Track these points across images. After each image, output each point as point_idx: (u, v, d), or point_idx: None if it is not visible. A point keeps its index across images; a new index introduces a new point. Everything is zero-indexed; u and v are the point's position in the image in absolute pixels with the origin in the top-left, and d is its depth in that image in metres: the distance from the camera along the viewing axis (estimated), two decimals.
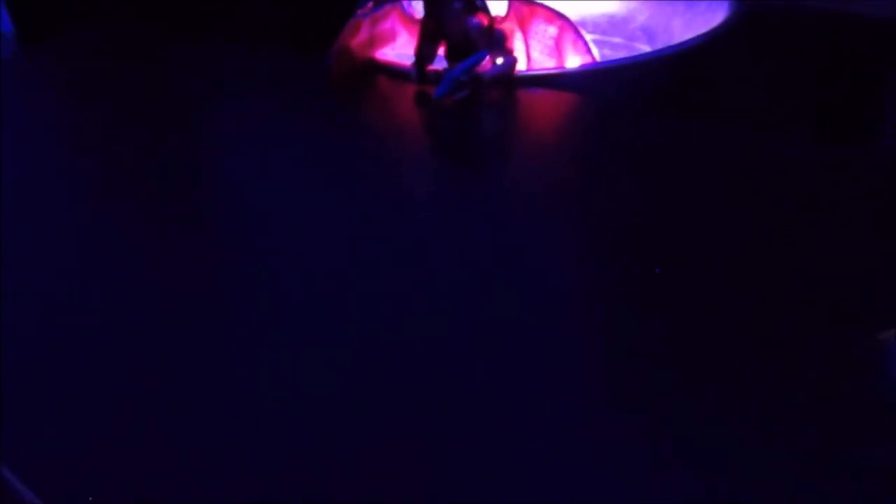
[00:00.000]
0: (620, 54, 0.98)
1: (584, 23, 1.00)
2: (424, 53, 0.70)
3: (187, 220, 0.57)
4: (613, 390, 0.39)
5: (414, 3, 0.72)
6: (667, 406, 0.38)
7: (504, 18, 0.72)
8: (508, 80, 0.69)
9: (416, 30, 0.74)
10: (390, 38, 0.75)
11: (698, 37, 0.75)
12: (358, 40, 0.74)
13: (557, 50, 0.72)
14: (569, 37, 0.71)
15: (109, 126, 0.72)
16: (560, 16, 0.72)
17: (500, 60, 0.69)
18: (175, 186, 0.62)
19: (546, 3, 1.00)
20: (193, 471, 0.36)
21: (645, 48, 0.97)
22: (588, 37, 0.77)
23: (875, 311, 0.41)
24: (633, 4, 0.98)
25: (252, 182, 0.62)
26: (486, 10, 0.68)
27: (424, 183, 0.64)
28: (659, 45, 0.96)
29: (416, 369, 0.41)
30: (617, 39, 0.99)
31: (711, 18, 0.88)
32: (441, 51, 0.71)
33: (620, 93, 0.72)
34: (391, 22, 0.73)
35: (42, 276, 0.50)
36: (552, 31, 0.72)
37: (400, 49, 0.77)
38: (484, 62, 0.69)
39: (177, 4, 1.04)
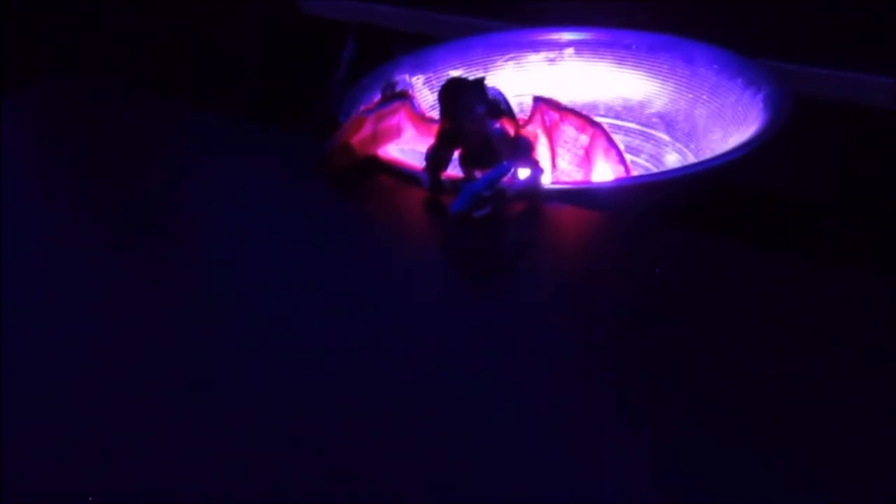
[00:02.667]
0: (636, 142, 0.91)
1: (596, 106, 0.92)
2: (439, 158, 0.62)
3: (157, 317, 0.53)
4: None
5: (424, 100, 0.64)
6: None
7: (528, 122, 0.64)
8: (534, 194, 0.61)
9: (424, 127, 0.66)
10: (395, 133, 0.66)
11: (736, 149, 0.67)
12: (360, 136, 0.65)
13: (587, 160, 0.64)
14: (601, 146, 0.63)
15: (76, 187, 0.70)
16: (592, 123, 0.64)
17: (525, 172, 0.60)
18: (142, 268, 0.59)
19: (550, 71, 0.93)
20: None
21: (663, 136, 0.90)
22: (617, 137, 0.69)
23: None
24: (649, 88, 0.91)
25: (235, 269, 0.58)
26: (511, 115, 0.60)
27: (429, 301, 0.56)
28: (678, 134, 0.89)
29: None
30: (632, 125, 0.91)
31: (744, 112, 0.81)
32: (456, 155, 0.63)
33: (651, 206, 0.65)
34: (398, 118, 0.65)
35: None
36: (584, 139, 0.63)
37: (405, 144, 0.68)
38: (507, 174, 0.60)
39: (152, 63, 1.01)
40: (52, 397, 0.43)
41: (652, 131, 0.90)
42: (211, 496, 0.36)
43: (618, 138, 0.90)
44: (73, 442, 0.39)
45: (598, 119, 0.88)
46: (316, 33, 1.28)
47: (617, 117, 0.92)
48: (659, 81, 0.90)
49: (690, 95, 0.88)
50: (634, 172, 0.69)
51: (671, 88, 0.89)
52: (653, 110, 0.91)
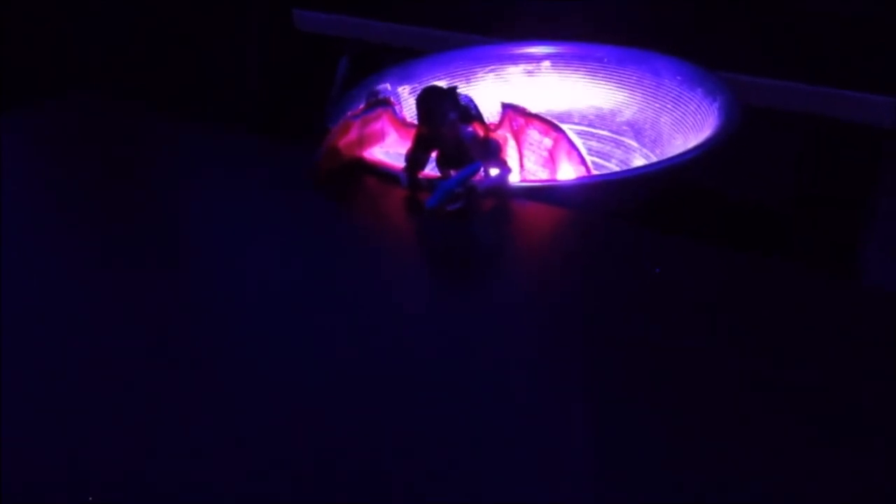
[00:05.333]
0: (607, 148, 0.98)
1: (570, 114, 0.99)
2: (417, 160, 0.68)
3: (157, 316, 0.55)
4: None
5: (405, 107, 0.71)
6: None
7: (498, 127, 0.71)
8: (502, 191, 0.67)
9: (405, 131, 0.72)
10: (379, 137, 0.73)
11: (690, 150, 0.74)
12: (347, 140, 0.72)
13: (552, 161, 0.70)
14: (563, 148, 0.70)
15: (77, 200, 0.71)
16: (555, 127, 0.70)
17: (494, 171, 0.67)
18: (147, 276, 0.60)
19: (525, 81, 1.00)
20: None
21: (632, 143, 0.97)
22: (578, 140, 0.76)
23: None
24: (620, 98, 0.98)
25: (231, 277, 0.61)
26: (481, 119, 0.66)
27: (411, 288, 0.62)
28: (645, 141, 0.96)
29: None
30: (604, 132, 0.98)
31: (702, 120, 0.87)
32: (433, 156, 0.69)
33: (612, 204, 0.71)
34: (381, 123, 0.71)
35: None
36: (547, 142, 0.70)
37: (388, 147, 0.75)
38: (478, 173, 0.67)
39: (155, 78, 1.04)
40: (52, 397, 0.43)
41: (622, 138, 0.97)
42: (210, 496, 0.36)
43: (591, 145, 0.98)
44: (74, 442, 0.38)
45: (572, 127, 0.96)
46: (313, 48, 1.35)
47: (590, 125, 0.99)
48: (628, 92, 0.97)
49: (657, 105, 0.95)
50: (595, 173, 0.76)
51: (639, 98, 0.96)
52: (623, 119, 0.97)
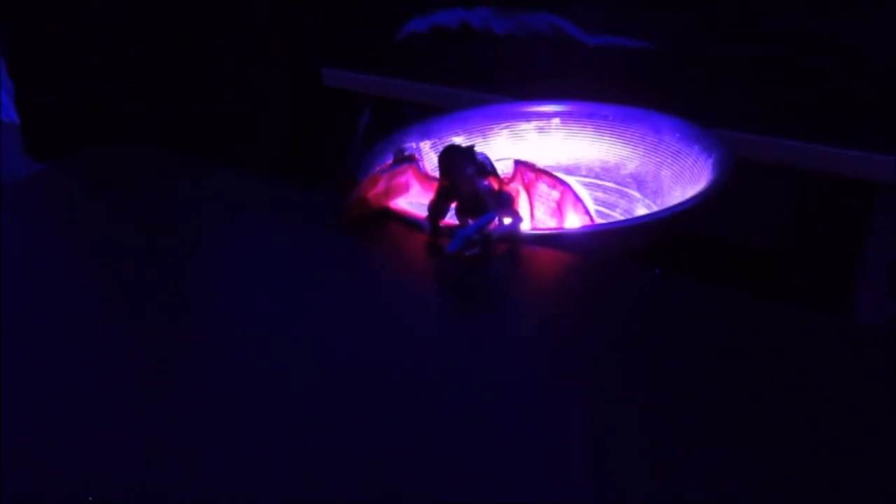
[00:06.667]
0: (612, 198, 1.06)
1: (578, 167, 1.07)
2: (438, 209, 0.76)
3: (180, 354, 0.59)
4: None
5: (426, 160, 0.79)
6: None
7: (511, 181, 0.79)
8: (515, 237, 0.75)
9: (428, 183, 0.80)
10: (405, 189, 0.81)
11: (686, 201, 0.81)
12: (375, 191, 0.80)
13: (559, 211, 0.78)
14: (569, 200, 0.78)
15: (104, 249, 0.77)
16: (562, 182, 0.78)
17: (507, 220, 0.75)
18: (172, 315, 0.66)
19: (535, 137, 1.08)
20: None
21: (635, 193, 1.05)
22: (584, 193, 0.84)
23: None
24: (623, 153, 1.06)
25: (255, 312, 0.67)
26: (496, 174, 0.74)
27: (429, 322, 0.69)
28: (647, 192, 1.04)
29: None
30: (609, 184, 1.06)
31: (698, 174, 0.95)
32: (452, 206, 0.77)
33: (615, 251, 0.79)
34: (406, 177, 0.80)
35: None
36: (555, 194, 0.78)
37: (412, 198, 0.83)
38: (493, 222, 0.75)
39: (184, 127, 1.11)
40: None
41: (626, 189, 1.05)
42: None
43: (597, 195, 1.05)
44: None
45: (579, 179, 1.04)
46: (339, 103, 1.44)
47: (596, 177, 1.07)
48: (631, 147, 1.05)
49: (657, 159, 1.03)
50: (598, 222, 0.83)
51: (641, 153, 1.04)
52: (626, 171, 1.05)
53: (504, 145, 1.09)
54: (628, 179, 1.05)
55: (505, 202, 0.75)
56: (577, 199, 0.77)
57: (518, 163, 0.79)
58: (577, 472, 0.45)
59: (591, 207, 0.80)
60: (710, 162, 0.93)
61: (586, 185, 1.04)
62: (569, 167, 1.06)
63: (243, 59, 1.32)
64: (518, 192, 0.78)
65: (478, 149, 0.74)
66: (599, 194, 1.06)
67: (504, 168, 0.80)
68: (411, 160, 0.78)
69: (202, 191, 0.91)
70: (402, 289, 0.74)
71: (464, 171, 0.74)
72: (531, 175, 0.78)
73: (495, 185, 0.74)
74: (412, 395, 0.55)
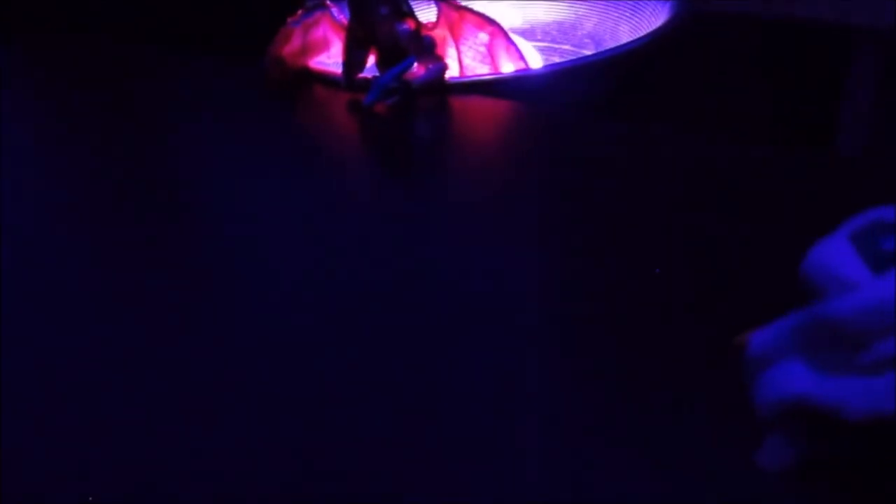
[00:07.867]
0: None
1: (533, 30, 1.00)
2: (353, 61, 0.69)
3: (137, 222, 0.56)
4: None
5: (344, 11, 0.71)
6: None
7: (435, 25, 0.71)
8: (439, 86, 0.68)
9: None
10: (323, 46, 0.74)
11: (636, 40, 0.74)
12: (290, 49, 0.73)
13: (490, 56, 0.71)
14: (500, 43, 0.70)
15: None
16: (490, 21, 0.71)
17: (430, 67, 0.68)
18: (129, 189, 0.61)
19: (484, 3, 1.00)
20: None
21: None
22: (521, 41, 0.76)
23: None
24: (581, 11, 0.98)
25: (197, 182, 0.62)
26: (413, 15, 0.67)
27: (360, 184, 0.63)
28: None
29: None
30: (566, 46, 0.98)
31: (656, 22, 0.87)
32: (373, 58, 0.70)
33: (556, 98, 0.72)
34: (323, 30, 0.72)
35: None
36: (483, 37, 0.71)
37: (336, 57, 0.76)
38: (413, 68, 0.68)
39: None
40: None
41: (583, 51, 0.97)
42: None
43: (553, 60, 0.98)
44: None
45: (535, 44, 0.96)
46: None
47: (553, 41, 0.99)
48: (588, 4, 0.97)
49: (615, 14, 0.95)
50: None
51: (599, 10, 0.97)
52: (584, 31, 0.98)
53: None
54: (586, 40, 0.97)
55: (426, 46, 0.68)
56: (509, 41, 0.69)
57: (438, 2, 0.71)
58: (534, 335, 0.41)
59: (530, 54, 0.73)
60: (665, 9, 0.85)
61: (542, 49, 0.96)
62: (522, 31, 0.98)
63: None
64: (444, 38, 0.71)
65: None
66: (556, 59, 0.98)
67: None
68: (323, 7, 0.71)
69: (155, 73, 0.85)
70: (326, 154, 0.67)
71: (377, 12, 0.66)
72: (455, 16, 0.70)
73: (413, 27, 0.67)
74: (353, 272, 0.48)
